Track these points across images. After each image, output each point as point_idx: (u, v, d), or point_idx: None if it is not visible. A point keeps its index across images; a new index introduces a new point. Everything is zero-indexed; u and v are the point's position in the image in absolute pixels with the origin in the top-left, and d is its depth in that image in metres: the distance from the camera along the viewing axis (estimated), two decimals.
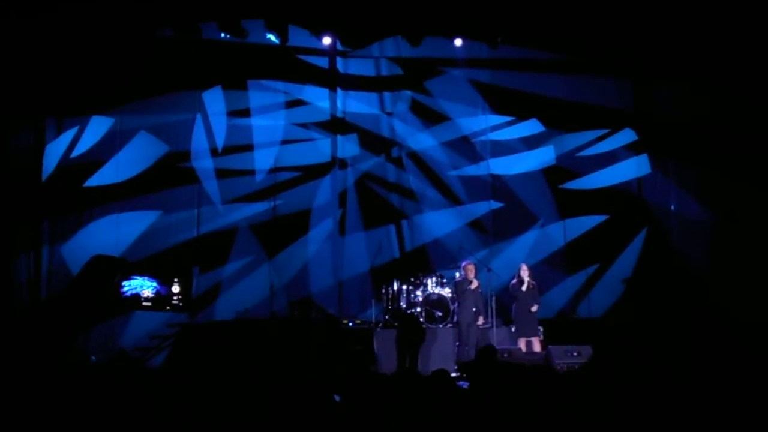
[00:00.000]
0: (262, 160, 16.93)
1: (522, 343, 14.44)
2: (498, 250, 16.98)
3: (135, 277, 14.74)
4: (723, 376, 5.92)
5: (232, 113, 16.92)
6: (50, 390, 6.32)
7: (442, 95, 17.48)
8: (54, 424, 6.05)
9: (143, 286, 14.71)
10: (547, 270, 16.58)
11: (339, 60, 17.28)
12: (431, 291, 15.55)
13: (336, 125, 17.26)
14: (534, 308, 14.58)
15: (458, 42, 16.63)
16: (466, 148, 17.41)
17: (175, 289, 14.97)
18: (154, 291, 14.80)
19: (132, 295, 14.63)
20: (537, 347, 14.42)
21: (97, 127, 16.33)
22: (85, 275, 12.46)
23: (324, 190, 17.08)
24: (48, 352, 11.17)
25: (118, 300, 14.44)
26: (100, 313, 14.36)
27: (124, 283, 14.55)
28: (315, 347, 13.71)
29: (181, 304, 15.00)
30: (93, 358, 13.72)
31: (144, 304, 14.80)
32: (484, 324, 14.91)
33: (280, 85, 17.14)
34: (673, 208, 17.00)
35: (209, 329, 15.28)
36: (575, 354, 13.16)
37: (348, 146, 17.28)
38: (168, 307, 15.05)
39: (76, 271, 14.57)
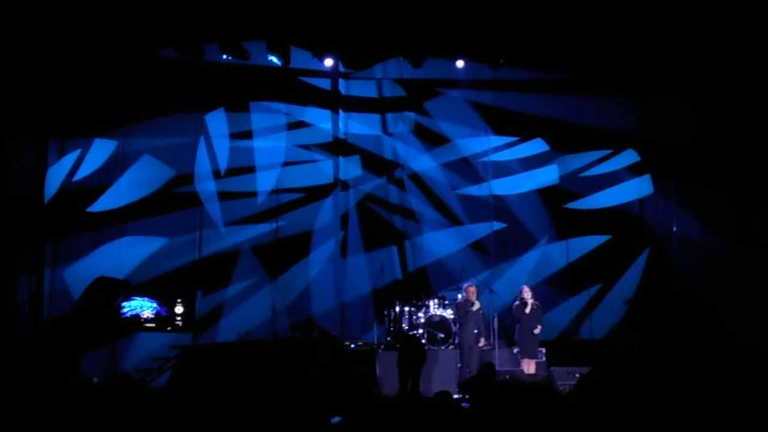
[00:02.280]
0: (265, 182, 16.95)
1: (525, 365, 14.44)
2: (500, 271, 16.96)
3: (135, 298, 14.72)
4: (725, 395, 5.89)
5: (235, 135, 16.96)
6: (52, 411, 6.30)
7: (445, 116, 17.51)
8: None
9: (143, 307, 14.71)
10: (549, 291, 16.57)
11: (341, 81, 17.32)
12: (433, 313, 15.51)
13: (338, 147, 17.28)
14: (537, 330, 14.56)
15: (460, 63, 16.65)
16: (468, 169, 17.43)
17: (178, 309, 14.95)
18: (154, 312, 14.78)
19: (132, 316, 14.61)
20: (532, 369, 14.39)
21: (100, 150, 16.37)
22: (89, 297, 12.46)
23: (326, 212, 17.08)
24: (50, 373, 11.15)
25: (119, 321, 14.42)
26: (101, 335, 14.34)
27: (124, 304, 14.54)
28: (317, 369, 13.68)
29: (182, 324, 14.97)
30: (95, 379, 13.68)
31: (146, 324, 14.78)
32: (486, 345, 14.88)
33: (282, 106, 17.17)
34: (675, 229, 16.99)
35: (211, 351, 15.26)
36: (578, 376, 13.11)
37: (350, 168, 17.29)
38: (169, 328, 15.02)
39: (78, 294, 14.57)
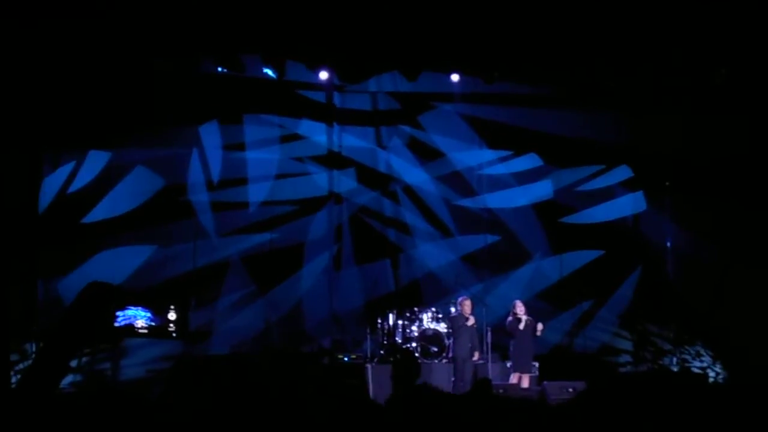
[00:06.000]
0: (259, 193, 16.93)
1: (516, 378, 14.41)
2: (493, 285, 16.96)
3: (129, 307, 14.68)
4: (721, 409, 5.88)
5: (229, 147, 16.92)
6: (41, 421, 6.27)
7: (439, 130, 17.54)
8: None
9: (137, 317, 14.65)
10: (542, 305, 16.54)
11: (336, 94, 17.32)
12: (426, 326, 15.48)
13: (333, 160, 17.27)
14: (539, 328, 14.50)
15: (455, 77, 16.66)
16: (462, 182, 17.45)
17: (171, 316, 14.89)
18: (148, 321, 14.73)
19: (126, 324, 14.56)
20: (525, 383, 14.36)
21: (95, 162, 16.28)
22: (80, 303, 12.37)
23: (320, 225, 17.05)
24: (40, 381, 11.10)
25: (111, 330, 14.36)
26: (93, 343, 14.29)
27: (118, 313, 14.50)
28: (309, 381, 13.63)
29: (175, 333, 14.91)
30: (86, 388, 13.64)
31: (139, 331, 14.74)
32: (479, 359, 14.85)
33: (276, 119, 17.17)
34: (669, 244, 17.00)
35: (204, 363, 15.20)
36: (570, 390, 13.12)
37: (344, 181, 17.29)
38: (163, 335, 14.96)
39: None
